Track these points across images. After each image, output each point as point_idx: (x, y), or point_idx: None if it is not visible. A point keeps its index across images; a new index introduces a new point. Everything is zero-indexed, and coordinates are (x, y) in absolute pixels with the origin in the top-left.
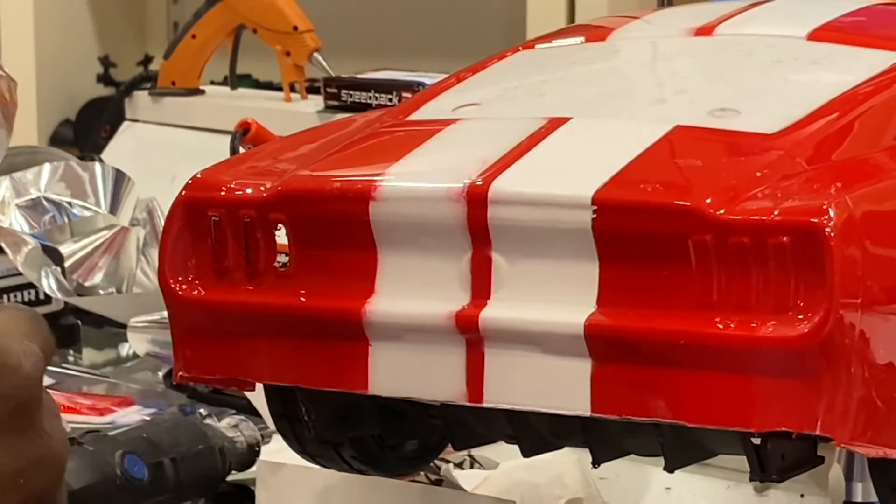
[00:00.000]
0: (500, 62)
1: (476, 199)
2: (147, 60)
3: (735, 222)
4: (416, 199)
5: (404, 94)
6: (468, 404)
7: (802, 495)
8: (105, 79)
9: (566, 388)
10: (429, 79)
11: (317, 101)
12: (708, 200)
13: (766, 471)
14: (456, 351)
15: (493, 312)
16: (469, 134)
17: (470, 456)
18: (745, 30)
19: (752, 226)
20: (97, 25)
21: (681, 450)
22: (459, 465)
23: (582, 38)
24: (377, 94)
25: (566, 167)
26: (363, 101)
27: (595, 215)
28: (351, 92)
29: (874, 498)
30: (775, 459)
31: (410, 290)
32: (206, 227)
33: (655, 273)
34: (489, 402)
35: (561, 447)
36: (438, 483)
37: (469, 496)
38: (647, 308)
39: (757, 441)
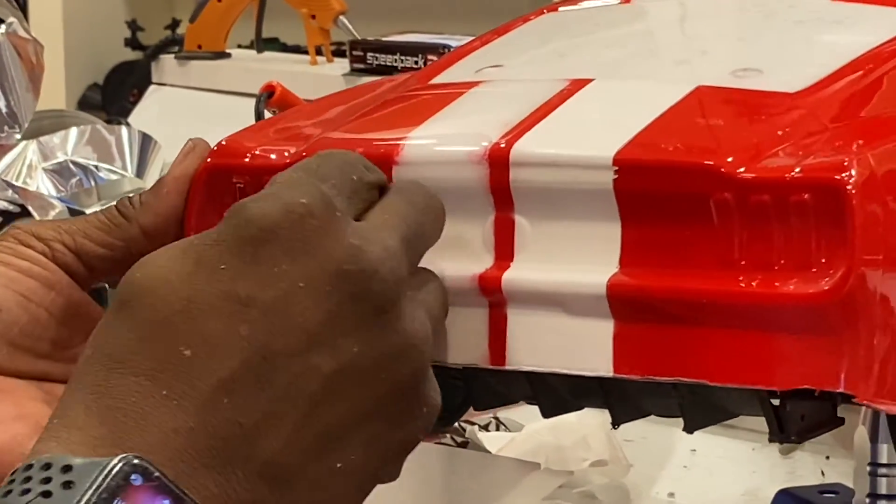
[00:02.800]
0: (525, 25)
1: (498, 162)
2: (174, 24)
3: (755, 180)
4: (439, 163)
5: (429, 57)
6: (490, 367)
7: (828, 457)
8: (133, 43)
9: (588, 349)
10: (454, 41)
11: (342, 64)
12: (729, 159)
13: (784, 431)
14: (479, 313)
15: (517, 274)
16: (491, 96)
17: (496, 418)
18: None
19: (772, 183)
20: None
21: (700, 411)
22: (485, 427)
23: (607, 0)
24: (403, 57)
25: (588, 128)
26: (389, 63)
27: (616, 176)
28: (376, 55)
29: None
30: (795, 420)
31: (433, 253)
32: (231, 193)
33: (677, 233)
34: (511, 364)
35: (580, 408)
36: (464, 445)
37: (494, 458)
38: (669, 268)
39: (776, 402)
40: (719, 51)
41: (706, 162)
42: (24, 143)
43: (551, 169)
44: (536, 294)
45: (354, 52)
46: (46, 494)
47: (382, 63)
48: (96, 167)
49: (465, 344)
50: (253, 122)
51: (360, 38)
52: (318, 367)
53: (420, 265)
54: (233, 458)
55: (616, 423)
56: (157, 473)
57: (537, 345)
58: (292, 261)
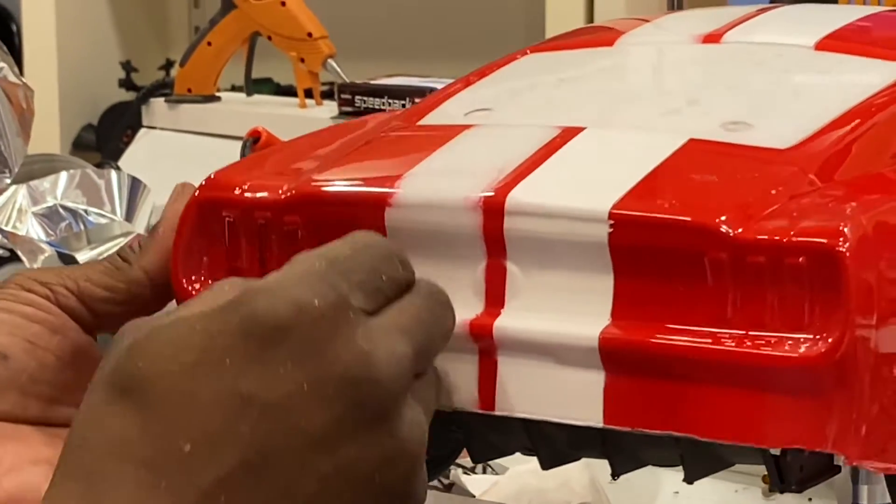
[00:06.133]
0: (509, 66)
1: (493, 209)
2: (168, 65)
3: (751, 242)
4: (433, 207)
5: (416, 100)
6: (479, 411)
7: (810, 499)
8: (127, 83)
9: (579, 398)
10: (441, 84)
11: (331, 107)
12: (725, 219)
13: (785, 482)
14: (469, 359)
15: (508, 322)
16: (483, 141)
17: None
18: (752, 38)
19: (768, 245)
20: (119, 30)
21: (700, 461)
22: (472, 470)
23: (589, 43)
24: (390, 100)
25: (582, 179)
26: (376, 106)
27: (612, 229)
28: (364, 98)
29: (879, 500)
30: (794, 471)
31: None
32: (220, 227)
33: (670, 288)
34: (501, 409)
35: (579, 458)
36: (448, 488)
37: (477, 502)
38: (661, 322)
39: (776, 452)
40: (708, 101)
41: (702, 221)
42: (13, 187)
43: (546, 219)
44: (527, 342)
45: (342, 96)
46: None
47: (370, 106)
48: (86, 211)
49: (455, 388)
50: None
51: (348, 81)
52: (316, 468)
53: None
54: None
55: (616, 475)
56: None
57: (527, 392)
58: (298, 362)
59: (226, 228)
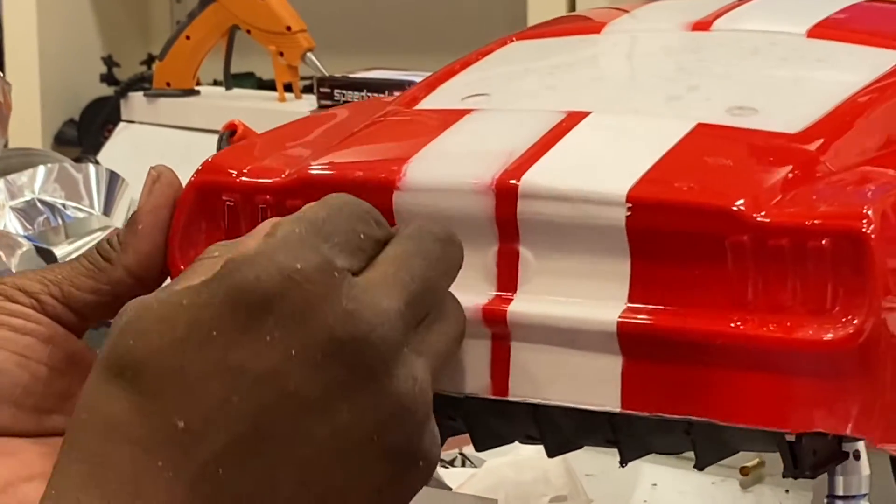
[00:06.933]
0: (496, 53)
1: (506, 193)
2: (150, 59)
3: (774, 224)
4: (443, 190)
5: (395, 93)
6: (493, 397)
7: (787, 490)
8: (108, 78)
9: (595, 383)
10: (420, 77)
11: (310, 101)
12: (746, 202)
13: (799, 467)
14: (481, 344)
15: (523, 307)
16: (488, 124)
17: (461, 454)
18: (743, 25)
19: (791, 228)
20: (100, 25)
21: (711, 447)
22: (451, 463)
23: (576, 31)
24: (369, 94)
25: (595, 163)
26: (355, 100)
27: (629, 213)
28: (343, 91)
29: (855, 491)
30: (808, 456)
31: None
32: (219, 211)
33: (689, 271)
34: (514, 395)
35: (582, 446)
36: None
37: (452, 495)
38: (680, 306)
39: (791, 438)
40: (708, 87)
41: (724, 204)
42: None
43: (561, 203)
44: (543, 327)
45: (321, 89)
46: None
47: (349, 99)
48: (63, 205)
49: (467, 374)
50: None
51: (327, 74)
52: (311, 433)
53: None
54: None
55: (624, 462)
56: None
57: (542, 377)
58: (285, 329)
59: (225, 212)
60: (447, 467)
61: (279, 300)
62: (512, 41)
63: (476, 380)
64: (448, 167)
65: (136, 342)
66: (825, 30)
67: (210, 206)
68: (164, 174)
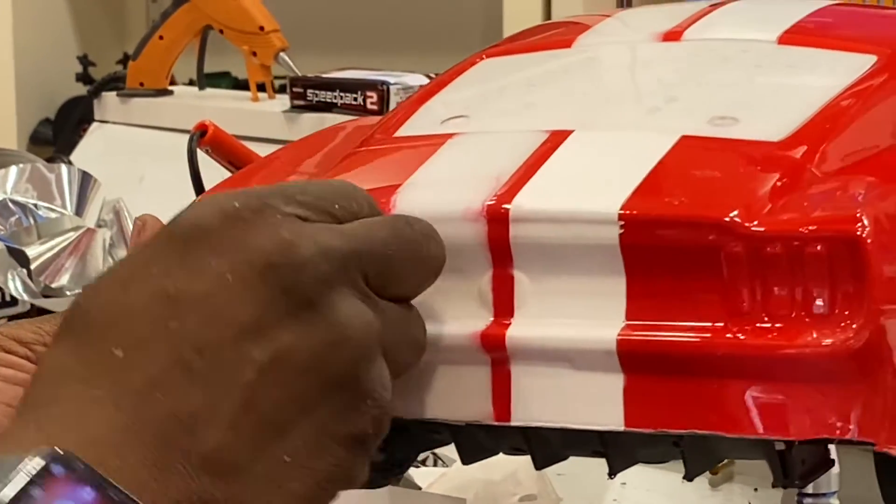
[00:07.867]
0: (469, 72)
1: (497, 218)
2: (126, 59)
3: (768, 234)
4: (433, 219)
5: (368, 94)
6: (495, 423)
7: (756, 489)
8: (84, 78)
9: (598, 404)
10: (393, 77)
11: (283, 101)
12: (739, 212)
13: (788, 476)
14: (480, 370)
15: (521, 331)
16: (471, 149)
17: (433, 453)
18: (713, 34)
19: (785, 236)
20: (76, 24)
21: (701, 457)
22: (423, 462)
23: (545, 45)
24: (342, 94)
25: (583, 182)
26: (328, 100)
27: (622, 230)
28: (316, 91)
29: (825, 489)
30: (797, 465)
31: (429, 311)
32: None
33: (685, 285)
34: (517, 420)
35: (567, 458)
36: (396, 480)
37: (420, 495)
38: (678, 320)
39: (780, 447)
40: (687, 98)
41: (717, 216)
42: None
43: (554, 224)
44: (542, 350)
45: (294, 89)
46: None
47: (322, 100)
48: (35, 206)
49: (467, 401)
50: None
51: (300, 74)
52: (251, 356)
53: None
54: (171, 453)
55: (613, 473)
56: (80, 464)
57: (544, 401)
58: (220, 255)
59: None
60: (418, 466)
61: (216, 232)
62: (482, 58)
63: (477, 407)
64: (437, 195)
65: (86, 299)
66: (796, 35)
67: None
68: (148, 223)
